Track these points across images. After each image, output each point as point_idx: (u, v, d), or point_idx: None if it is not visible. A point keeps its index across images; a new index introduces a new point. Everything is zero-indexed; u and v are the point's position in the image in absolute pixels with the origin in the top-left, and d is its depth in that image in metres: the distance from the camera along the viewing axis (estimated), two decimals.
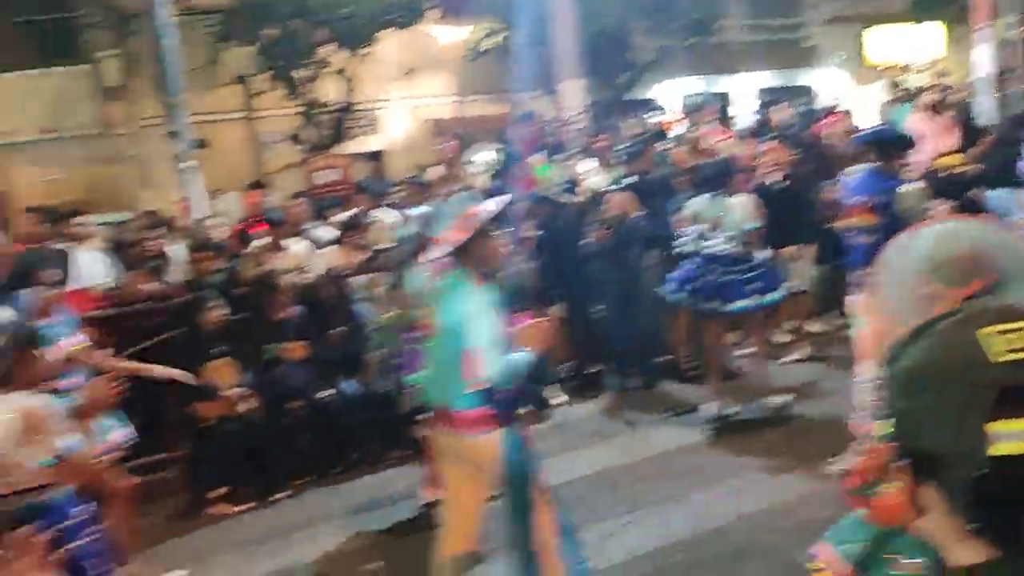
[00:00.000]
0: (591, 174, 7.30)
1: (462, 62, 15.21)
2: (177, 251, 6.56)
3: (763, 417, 5.76)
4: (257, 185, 8.99)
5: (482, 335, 3.15)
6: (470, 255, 3.29)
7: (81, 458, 3.17)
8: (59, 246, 5.98)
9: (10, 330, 3.14)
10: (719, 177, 5.99)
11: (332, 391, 5.82)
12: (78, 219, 6.73)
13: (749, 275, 5.81)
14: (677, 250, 6.13)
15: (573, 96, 9.51)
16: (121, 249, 7.20)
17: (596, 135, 8.53)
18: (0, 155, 15.63)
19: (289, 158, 13.67)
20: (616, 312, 6.48)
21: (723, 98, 15.29)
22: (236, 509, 5.34)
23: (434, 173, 8.00)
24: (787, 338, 7.09)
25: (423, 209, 5.28)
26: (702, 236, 5.84)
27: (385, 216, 7.14)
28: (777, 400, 5.88)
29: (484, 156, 8.29)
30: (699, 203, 5.93)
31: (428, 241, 4.54)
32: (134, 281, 5.71)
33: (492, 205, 3.41)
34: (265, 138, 14.41)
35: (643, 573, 3.93)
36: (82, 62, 14.44)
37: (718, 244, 5.79)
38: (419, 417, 5.87)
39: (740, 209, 5.82)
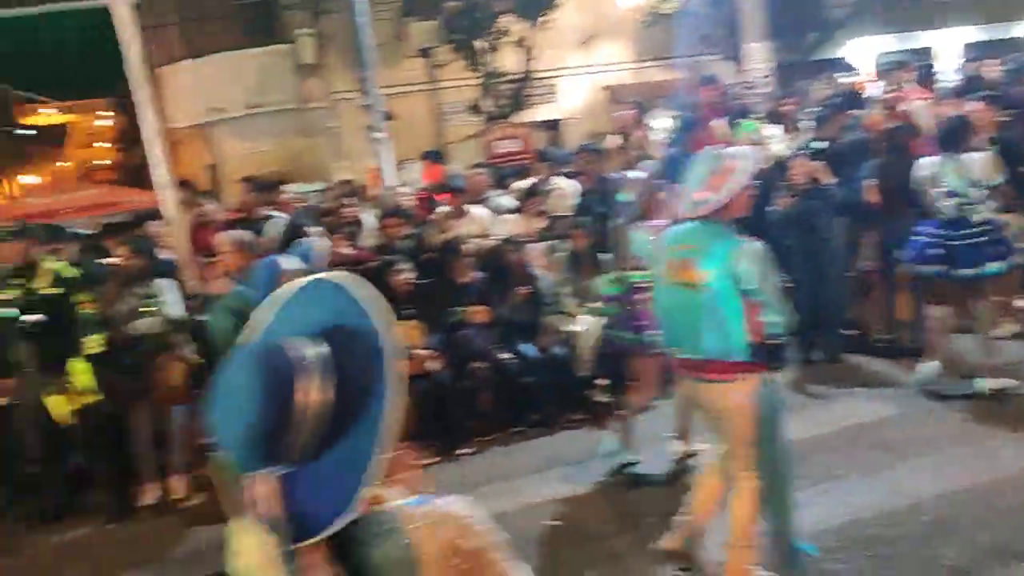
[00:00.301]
0: (776, 140, 7.05)
1: (640, 28, 15.01)
2: (368, 218, 6.95)
3: (965, 394, 5.40)
4: (433, 155, 9.29)
5: (759, 286, 3.24)
6: (732, 208, 3.32)
7: None
8: (267, 213, 6.48)
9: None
10: (954, 135, 5.51)
11: (512, 354, 6.01)
12: (283, 188, 7.29)
13: (981, 240, 5.36)
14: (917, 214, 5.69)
15: (758, 58, 9.18)
16: (318, 216, 7.73)
17: (782, 99, 8.21)
18: (212, 129, 17.04)
19: (469, 128, 14.06)
20: (803, 282, 6.25)
21: (923, 55, 14.24)
22: (420, 463, 5.63)
23: (611, 141, 7.99)
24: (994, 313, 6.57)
25: (642, 171, 5.29)
26: (943, 196, 5.39)
27: (564, 184, 7.25)
28: (994, 383, 5.42)
29: (662, 123, 8.18)
30: (932, 164, 5.48)
31: (653, 202, 4.63)
32: (332, 246, 6.10)
33: (750, 158, 3.42)
34: (446, 109, 14.87)
35: (829, 547, 3.83)
36: (282, 42, 15.41)
37: (956, 205, 5.34)
38: (597, 382, 6.05)
39: (979, 167, 5.34)
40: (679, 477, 4.74)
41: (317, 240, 5.07)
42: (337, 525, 1.24)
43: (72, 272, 5.45)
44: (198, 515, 5.31)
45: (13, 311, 5.28)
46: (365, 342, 1.30)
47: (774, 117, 7.61)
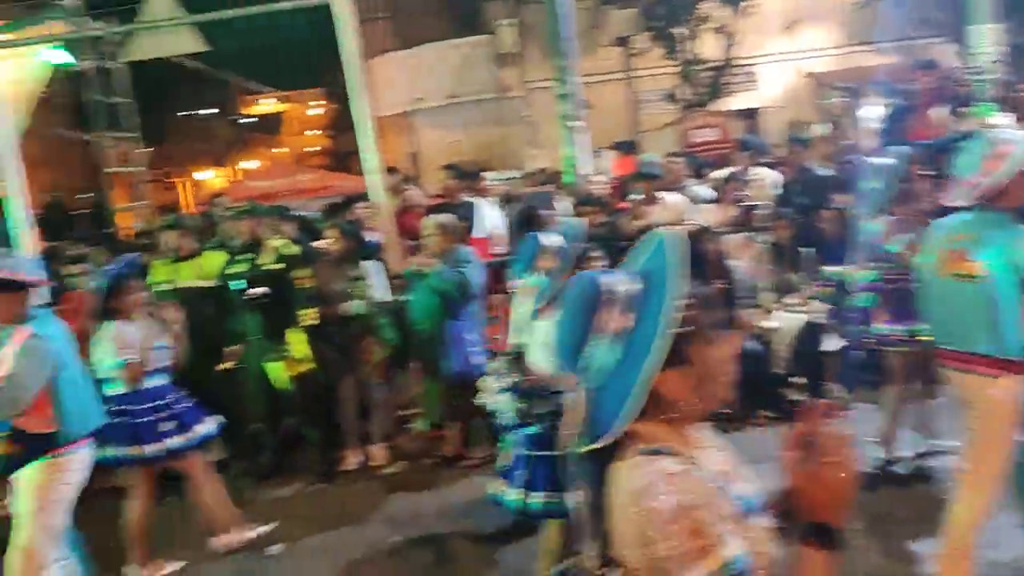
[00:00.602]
0: (1006, 129, 6.48)
1: (848, 11, 14.21)
2: (563, 205, 7.04)
3: None
4: (625, 146, 9.25)
5: None
6: (1010, 196, 3.15)
7: None
8: (466, 199, 6.73)
9: (562, 254, 3.65)
10: None
11: None
12: (483, 176, 7.55)
13: None
14: None
15: (985, 41, 8.43)
16: (511, 203, 7.94)
17: (1013, 85, 7.53)
18: (413, 119, 17.84)
19: (665, 117, 13.90)
20: None
21: None
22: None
23: (817, 130, 7.65)
24: None
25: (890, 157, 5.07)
26: None
27: (765, 174, 7.03)
28: None
29: (873, 111, 7.74)
30: None
31: (904, 191, 4.44)
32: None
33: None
34: (642, 97, 14.76)
35: None
36: (482, 33, 15.87)
37: None
38: (792, 380, 5.85)
39: None
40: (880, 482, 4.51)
41: (572, 219, 5.19)
42: (603, 440, 1.45)
43: (293, 250, 5.91)
44: (395, 482, 5.64)
45: (241, 283, 5.81)
46: (662, 289, 1.48)
47: (1005, 105, 7.00)
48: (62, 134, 15.51)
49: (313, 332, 5.73)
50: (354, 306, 5.77)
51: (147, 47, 10.59)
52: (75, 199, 12.04)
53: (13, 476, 3.62)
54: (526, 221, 5.28)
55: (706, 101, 13.57)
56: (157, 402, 4.40)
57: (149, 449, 4.30)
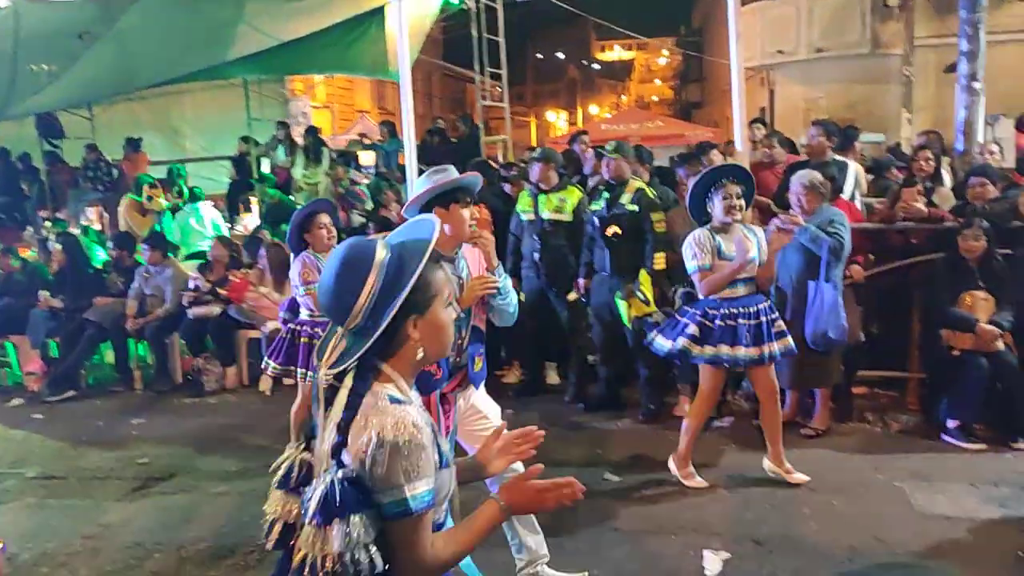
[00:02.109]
0: None
1: None
2: (947, 175, 6.40)
3: None
4: None
5: None
6: None
7: None
8: (837, 158, 6.34)
9: None
10: None
11: None
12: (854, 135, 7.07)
13: None
14: None
15: None
16: (880, 169, 7.36)
17: None
18: (772, 72, 17.10)
19: None
20: None
21: None
22: (967, 445, 5.17)
23: None
24: None
25: None
26: None
27: None
28: None
29: None
30: None
31: None
32: (907, 197, 5.76)
33: None
34: None
35: None
36: None
37: None
38: None
39: None
40: None
41: None
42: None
43: (652, 192, 5.98)
44: (725, 434, 5.62)
45: (595, 219, 6.01)
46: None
47: None
48: (444, 67, 16.88)
49: (661, 275, 5.79)
50: None
51: None
52: (452, 128, 13.13)
53: None
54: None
55: None
56: None
57: None
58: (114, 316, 7.83)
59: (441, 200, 3.36)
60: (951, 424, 5.27)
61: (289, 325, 5.18)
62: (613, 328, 6.02)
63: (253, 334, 7.61)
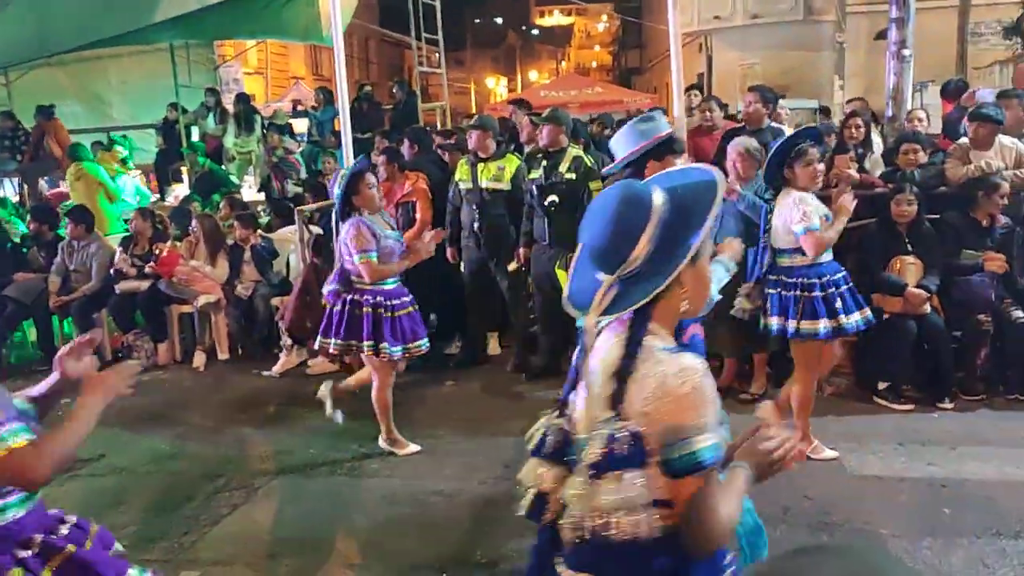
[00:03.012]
0: None
1: None
2: (878, 141, 6.50)
3: None
4: (953, 90, 8.24)
5: None
6: None
7: None
8: (773, 124, 6.38)
9: None
10: None
11: (1022, 314, 5.29)
12: (782, 103, 7.13)
13: None
14: None
15: None
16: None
17: None
18: (709, 38, 17.18)
19: (1000, 53, 12.30)
20: None
21: None
22: (896, 406, 5.32)
23: None
24: None
25: None
26: None
27: None
28: None
29: None
30: None
31: None
32: (840, 164, 5.84)
33: None
34: (976, 29, 13.13)
35: None
36: None
37: None
38: None
39: None
40: None
41: None
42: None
43: (590, 161, 5.94)
44: None
45: (534, 188, 5.96)
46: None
47: None
48: (381, 33, 16.56)
49: None
50: None
51: None
52: (385, 94, 12.93)
53: None
54: None
55: None
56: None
57: None
58: (36, 293, 7.53)
59: (656, 153, 3.18)
60: (881, 386, 5.41)
61: (347, 296, 4.69)
62: (554, 298, 5.98)
63: (185, 309, 7.40)
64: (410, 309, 4.80)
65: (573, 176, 5.82)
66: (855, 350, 5.69)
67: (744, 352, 5.67)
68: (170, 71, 11.31)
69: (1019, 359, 5.36)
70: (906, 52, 6.56)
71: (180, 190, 10.74)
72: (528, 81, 46.42)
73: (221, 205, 8.55)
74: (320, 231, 7.47)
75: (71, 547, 2.15)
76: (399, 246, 4.77)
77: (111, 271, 7.41)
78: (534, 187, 5.98)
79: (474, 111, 23.57)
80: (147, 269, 7.32)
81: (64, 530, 2.19)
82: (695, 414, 1.57)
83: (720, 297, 2.72)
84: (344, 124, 7.53)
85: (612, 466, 1.58)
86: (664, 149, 3.21)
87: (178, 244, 7.53)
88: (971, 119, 5.88)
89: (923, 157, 5.96)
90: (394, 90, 12.34)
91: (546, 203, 5.90)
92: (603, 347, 1.71)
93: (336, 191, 4.65)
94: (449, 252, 6.56)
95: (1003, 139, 5.84)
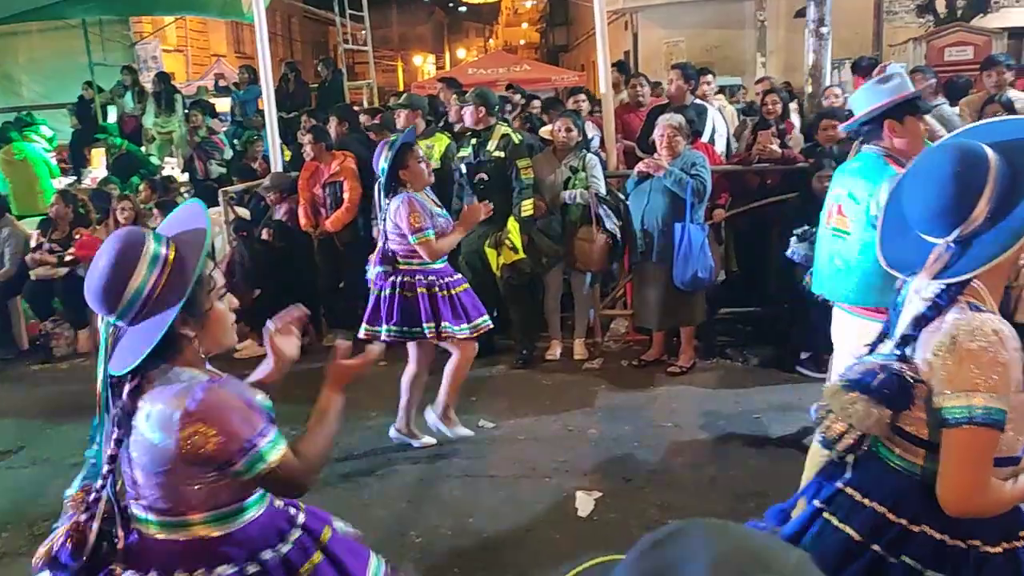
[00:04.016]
0: None
1: None
2: (796, 118, 6.65)
3: None
4: (865, 67, 8.47)
5: None
6: None
7: None
8: (697, 101, 6.48)
9: None
10: None
11: None
12: (708, 79, 7.22)
13: None
14: None
15: None
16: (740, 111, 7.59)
17: None
18: (633, 16, 17.26)
19: (912, 31, 12.68)
20: None
21: None
22: (817, 375, 5.46)
23: None
24: None
25: None
26: None
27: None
28: None
29: None
30: None
31: None
32: (762, 140, 5.96)
33: None
34: (891, 7, 13.51)
35: None
36: None
37: None
38: None
39: None
40: None
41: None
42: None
43: (518, 138, 5.94)
44: (595, 376, 5.73)
45: (463, 166, 5.94)
46: None
47: None
48: (305, 10, 16.20)
49: (529, 222, 5.80)
50: (573, 195, 5.80)
51: None
52: (310, 73, 12.69)
53: None
54: None
55: (968, 16, 12.19)
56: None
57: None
58: None
59: (896, 112, 3.07)
60: (803, 355, 5.58)
61: (395, 279, 4.36)
62: (484, 276, 6.01)
63: None
64: (465, 286, 4.54)
65: (502, 154, 5.82)
66: (780, 322, 5.85)
67: (672, 325, 5.77)
68: (83, 48, 10.89)
69: None
70: (824, 30, 6.71)
71: (97, 172, 10.38)
72: (456, 59, 46.07)
73: (141, 188, 8.30)
74: (247, 213, 7.32)
75: (326, 531, 2.03)
76: (448, 223, 4.46)
77: (27, 257, 7.14)
78: (463, 166, 5.96)
79: (402, 89, 23.28)
80: (67, 256, 7.06)
81: (301, 516, 2.03)
82: (978, 371, 1.57)
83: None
84: (268, 103, 7.39)
85: (885, 399, 1.64)
86: (905, 109, 3.08)
87: (98, 228, 7.29)
88: None
89: (842, 133, 6.11)
90: (319, 68, 12.12)
91: (475, 181, 5.89)
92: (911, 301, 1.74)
93: (382, 164, 4.28)
94: (376, 231, 6.46)
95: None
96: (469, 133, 6.09)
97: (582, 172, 5.90)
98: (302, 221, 6.70)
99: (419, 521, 3.93)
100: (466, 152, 5.98)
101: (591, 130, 6.90)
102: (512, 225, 5.78)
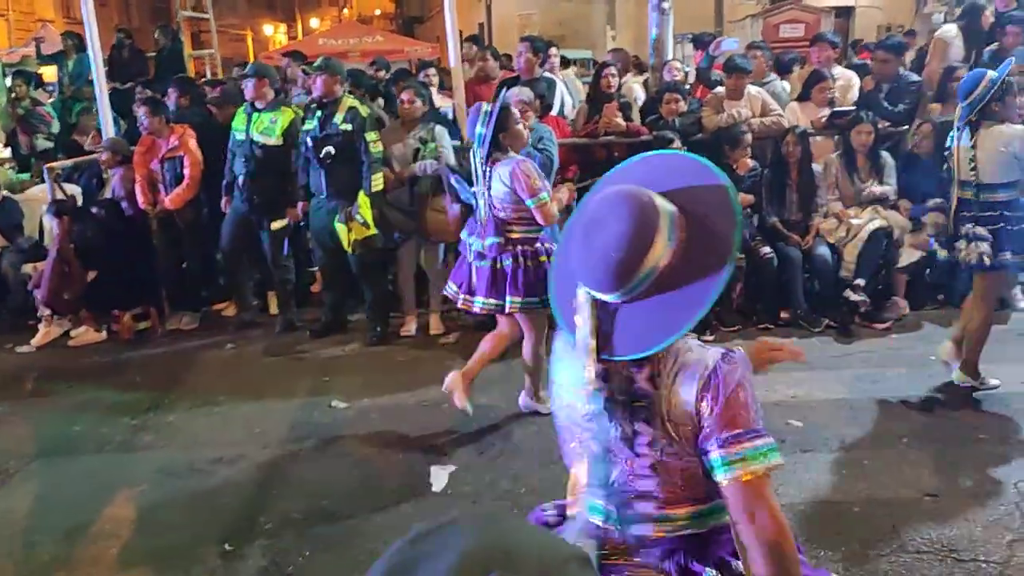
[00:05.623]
0: None
1: None
2: (640, 91, 6.83)
3: None
4: (705, 43, 8.83)
5: None
6: None
7: None
8: (546, 75, 6.54)
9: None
10: None
11: (772, 249, 5.80)
12: (554, 51, 7.30)
13: None
14: None
15: None
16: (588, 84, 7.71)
17: None
18: None
19: (749, 8, 13.26)
20: None
21: None
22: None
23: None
24: None
25: None
26: None
27: (847, 75, 6.80)
28: None
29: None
30: None
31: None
32: (608, 113, 6.09)
33: None
34: None
35: None
36: None
37: None
38: (856, 289, 5.74)
39: None
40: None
41: None
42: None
43: (366, 111, 5.81)
44: (451, 351, 5.72)
45: (309, 140, 5.76)
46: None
47: None
48: None
49: (379, 196, 5.71)
50: (423, 167, 5.75)
51: None
52: (147, 41, 11.97)
53: None
54: None
55: None
56: None
57: None
58: None
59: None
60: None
61: (517, 249, 4.19)
62: (335, 253, 5.87)
63: None
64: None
65: (349, 127, 5.67)
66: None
67: None
68: None
69: (767, 292, 5.89)
70: (666, 5, 6.91)
71: None
72: (309, 28, 44.61)
73: None
74: (77, 190, 6.86)
75: None
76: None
77: None
78: (308, 139, 5.77)
79: (252, 60, 22.36)
80: None
81: None
82: None
83: None
84: (98, 73, 6.93)
85: None
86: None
87: None
88: (726, 71, 6.32)
89: (683, 106, 6.34)
90: (157, 36, 11.43)
91: (321, 155, 5.72)
92: None
93: (479, 130, 4.11)
94: (224, 202, 6.20)
95: (751, 88, 6.33)
96: (314, 105, 5.90)
97: (431, 143, 5.85)
98: (139, 199, 6.32)
99: (268, 506, 3.82)
100: (311, 125, 5.79)
101: (441, 101, 6.85)
102: (363, 200, 5.66)
